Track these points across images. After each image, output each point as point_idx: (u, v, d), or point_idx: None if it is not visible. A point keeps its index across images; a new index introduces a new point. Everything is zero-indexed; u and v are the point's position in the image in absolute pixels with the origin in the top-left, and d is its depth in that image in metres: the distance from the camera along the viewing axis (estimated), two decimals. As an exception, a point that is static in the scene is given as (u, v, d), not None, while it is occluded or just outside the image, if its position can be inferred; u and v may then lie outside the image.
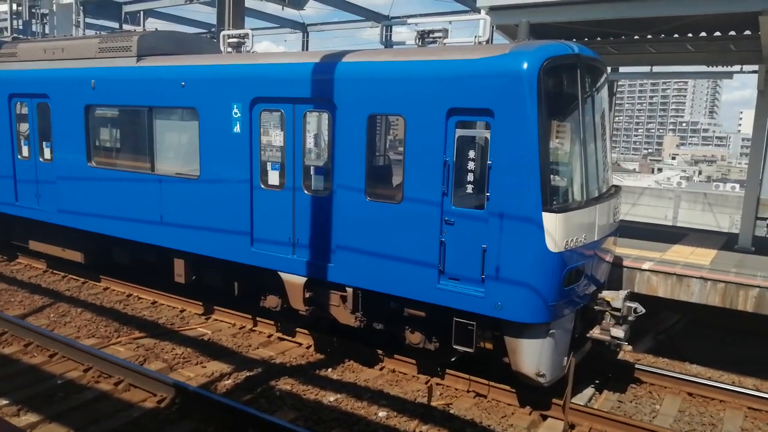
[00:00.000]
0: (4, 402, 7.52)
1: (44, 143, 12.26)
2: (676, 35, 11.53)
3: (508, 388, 8.36)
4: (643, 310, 8.00)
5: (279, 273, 9.30)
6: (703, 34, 11.32)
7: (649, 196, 26.49)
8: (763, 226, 16.78)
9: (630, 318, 8.02)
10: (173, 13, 25.37)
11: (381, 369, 9.24)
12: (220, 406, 7.36)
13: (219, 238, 9.75)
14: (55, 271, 13.67)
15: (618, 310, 7.97)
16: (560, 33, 10.92)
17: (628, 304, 8.00)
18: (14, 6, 21.95)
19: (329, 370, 9.15)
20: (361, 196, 8.23)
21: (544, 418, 8.00)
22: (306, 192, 8.84)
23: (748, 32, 10.80)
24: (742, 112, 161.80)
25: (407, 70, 7.90)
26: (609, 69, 9.78)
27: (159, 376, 8.16)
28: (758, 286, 8.69)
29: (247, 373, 8.78)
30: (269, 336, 10.42)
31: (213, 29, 20.72)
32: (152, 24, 24.20)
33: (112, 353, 9.09)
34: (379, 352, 9.45)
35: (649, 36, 11.55)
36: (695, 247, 11.22)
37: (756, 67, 11.71)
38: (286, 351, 9.82)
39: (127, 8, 22.40)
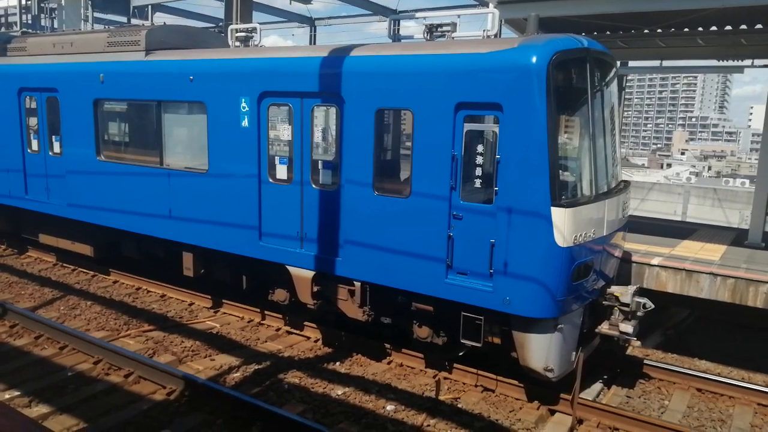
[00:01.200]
0: (16, 393, 7.60)
1: (53, 137, 12.33)
2: (686, 29, 11.45)
3: (516, 382, 8.35)
4: (652, 306, 7.98)
5: (287, 267, 9.33)
6: (714, 28, 11.23)
7: (658, 192, 26.37)
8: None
9: (639, 313, 7.99)
10: (181, 8, 25.40)
11: (389, 363, 9.25)
12: (228, 398, 7.40)
13: (227, 231, 9.78)
14: (64, 265, 13.77)
15: (627, 305, 7.95)
16: (569, 27, 10.87)
17: (637, 299, 7.98)
18: (23, 0, 22.03)
19: (337, 363, 9.17)
20: (369, 191, 8.23)
21: (552, 413, 8.00)
22: (314, 186, 8.85)
23: (759, 26, 10.71)
24: (752, 107, 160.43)
25: (415, 64, 7.88)
26: (618, 63, 9.72)
27: (168, 368, 8.21)
28: (768, 282, 8.64)
29: (256, 366, 8.82)
30: (277, 329, 10.46)
31: (221, 23, 20.75)
32: (160, 18, 24.25)
33: (122, 346, 9.15)
34: (387, 346, 9.46)
35: (659, 30, 11.47)
36: (705, 243, 11.16)
37: (767, 61, 11.61)
38: (294, 344, 9.86)
39: (135, 2, 22.43)
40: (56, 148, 12.29)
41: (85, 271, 13.36)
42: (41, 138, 12.61)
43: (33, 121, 12.81)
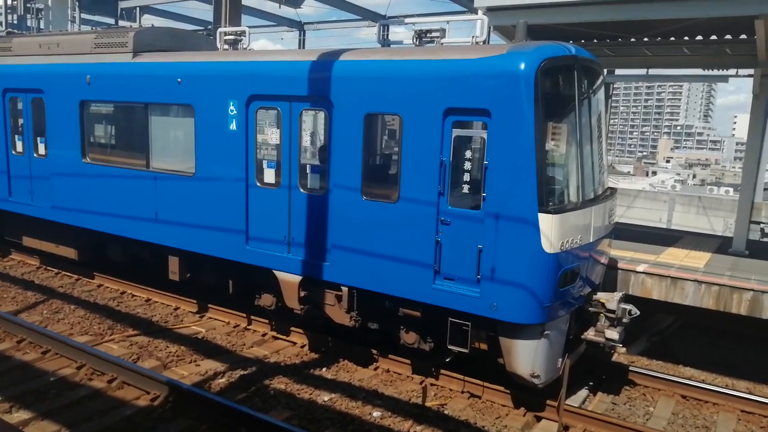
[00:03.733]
0: (-4, 399, 7.49)
1: (38, 139, 12.20)
2: (672, 38, 11.57)
3: (502, 389, 8.36)
4: (638, 312, 8.02)
5: (274, 271, 9.28)
6: (699, 37, 11.36)
7: (643, 199, 26.56)
8: (756, 230, 16.87)
9: (624, 320, 8.03)
10: (169, 10, 25.30)
11: (375, 369, 9.22)
12: (213, 404, 7.34)
13: (214, 235, 9.71)
14: (48, 268, 13.60)
15: (613, 311, 7.98)
16: (557, 34, 10.94)
17: (623, 306, 8.01)
18: (9, 0, 21.82)
19: (323, 369, 9.13)
20: (357, 195, 8.22)
21: (538, 419, 8.01)
22: (302, 190, 8.82)
23: (743, 36, 10.85)
24: (736, 116, 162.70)
25: (404, 69, 7.89)
26: (605, 71, 9.80)
27: (153, 374, 8.12)
28: (752, 290, 8.71)
29: (241, 372, 8.75)
30: (263, 335, 10.39)
31: (210, 26, 20.68)
32: (148, 20, 24.13)
33: (106, 351, 9.04)
34: (374, 351, 9.43)
35: (646, 39, 11.59)
36: (690, 250, 11.25)
37: (751, 71, 11.76)
38: (280, 350, 9.80)
39: (123, 4, 22.32)
40: (41, 149, 12.16)
41: (69, 274, 13.21)
42: (26, 139, 12.47)
43: (18, 123, 12.67)
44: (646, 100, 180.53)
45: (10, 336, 9.50)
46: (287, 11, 22.68)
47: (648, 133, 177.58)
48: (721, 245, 12.06)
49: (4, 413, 7.17)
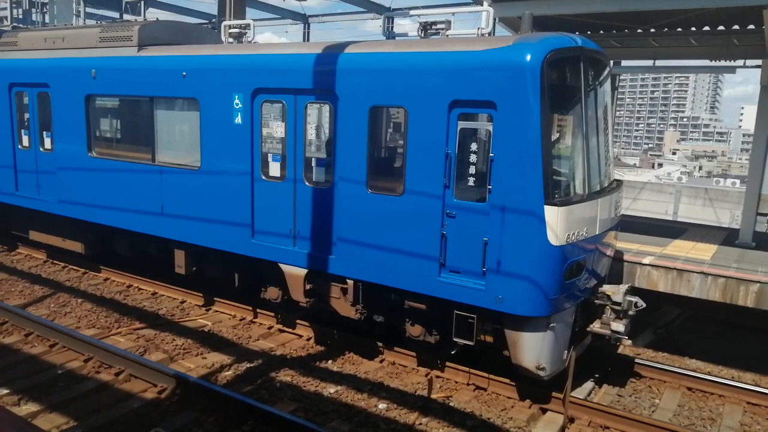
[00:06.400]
0: (5, 391, 7.54)
1: (44, 133, 12.23)
2: (679, 29, 11.49)
3: (508, 381, 8.37)
4: (644, 305, 8.01)
5: (280, 265, 9.30)
6: (707, 28, 11.27)
7: (649, 191, 26.44)
8: (763, 222, 16.77)
9: (630, 312, 8.03)
10: (174, 3, 25.28)
11: (381, 361, 9.25)
12: (220, 397, 7.37)
13: (220, 229, 9.74)
14: (55, 262, 13.67)
15: (618, 304, 7.98)
16: (563, 25, 10.88)
17: (629, 298, 8.01)
18: (14, -5, 21.86)
19: (329, 362, 9.16)
20: (363, 189, 8.21)
21: (544, 411, 8.02)
22: (307, 184, 8.82)
23: (751, 26, 10.76)
24: (743, 108, 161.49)
25: (410, 61, 7.86)
26: (612, 62, 9.74)
27: (159, 366, 8.17)
28: (759, 281, 8.68)
29: (248, 365, 8.79)
30: (269, 328, 10.43)
31: (214, 20, 20.66)
32: (153, 14, 24.10)
33: (113, 344, 9.09)
34: (380, 344, 9.46)
35: (652, 29, 11.51)
36: (696, 242, 11.21)
37: (759, 62, 11.67)
38: (286, 343, 9.84)
39: (127, -2, 22.31)
40: (47, 144, 12.20)
41: (75, 268, 13.28)
42: (32, 134, 12.51)
43: (24, 117, 12.71)
44: (653, 92, 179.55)
45: (18, 329, 9.57)
46: (292, 4, 22.73)
47: (654, 125, 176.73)
48: (727, 237, 12.01)
49: (13, 406, 7.23)
